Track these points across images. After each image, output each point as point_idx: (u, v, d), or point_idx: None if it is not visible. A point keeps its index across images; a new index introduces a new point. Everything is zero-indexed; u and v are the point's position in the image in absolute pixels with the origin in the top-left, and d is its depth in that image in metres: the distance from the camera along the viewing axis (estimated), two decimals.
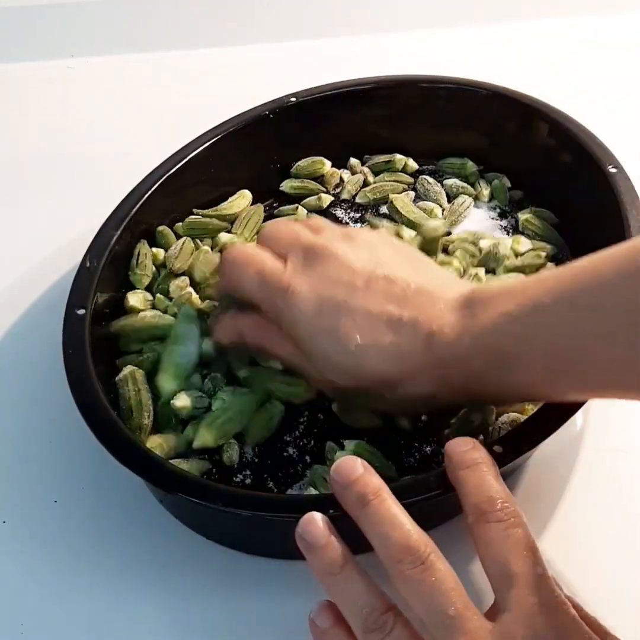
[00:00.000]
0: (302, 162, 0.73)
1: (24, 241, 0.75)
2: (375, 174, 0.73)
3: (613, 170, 0.60)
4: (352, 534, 0.43)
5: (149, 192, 0.65)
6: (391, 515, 0.42)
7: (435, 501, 0.46)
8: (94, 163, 0.81)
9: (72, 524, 0.56)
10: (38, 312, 0.69)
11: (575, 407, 0.49)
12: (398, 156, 0.73)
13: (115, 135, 0.84)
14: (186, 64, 0.92)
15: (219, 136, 0.69)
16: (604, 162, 0.61)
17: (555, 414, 0.49)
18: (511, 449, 0.47)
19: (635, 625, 0.48)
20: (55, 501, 0.57)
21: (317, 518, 0.43)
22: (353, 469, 0.44)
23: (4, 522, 0.57)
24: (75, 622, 0.52)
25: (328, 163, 0.73)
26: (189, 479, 0.50)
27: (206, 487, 0.49)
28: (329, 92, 0.72)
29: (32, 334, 0.67)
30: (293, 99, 0.71)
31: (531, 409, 0.54)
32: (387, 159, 0.73)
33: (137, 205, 0.64)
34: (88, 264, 0.60)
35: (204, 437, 0.55)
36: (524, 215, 0.67)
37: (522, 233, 0.67)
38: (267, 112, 0.70)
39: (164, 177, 0.66)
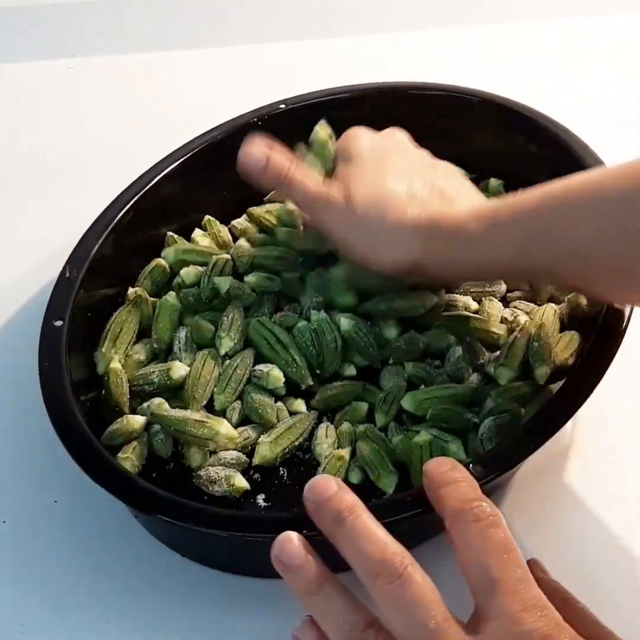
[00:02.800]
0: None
1: (22, 242, 0.76)
2: None
3: None
4: (331, 552, 0.42)
5: (132, 202, 0.64)
6: (366, 530, 0.41)
7: (415, 520, 0.46)
8: (94, 163, 0.82)
9: (72, 524, 0.56)
10: (36, 311, 0.69)
11: (562, 421, 0.49)
12: None
13: (115, 135, 0.84)
14: (186, 64, 0.92)
15: (206, 143, 0.69)
16: (592, 167, 0.60)
17: (541, 427, 0.49)
18: (490, 468, 0.47)
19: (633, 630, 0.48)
20: (55, 501, 0.58)
21: (292, 537, 0.42)
22: (327, 487, 0.43)
23: (4, 522, 0.57)
24: (74, 622, 0.52)
25: None
26: (160, 497, 0.49)
27: (178, 506, 0.48)
28: (318, 99, 0.71)
29: (31, 334, 0.67)
30: (282, 106, 0.71)
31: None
32: None
33: (119, 215, 0.63)
34: (68, 274, 0.60)
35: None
36: None
37: None
38: (255, 119, 0.70)
39: (148, 186, 0.65)
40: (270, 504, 0.54)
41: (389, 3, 0.96)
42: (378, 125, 0.71)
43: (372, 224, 0.54)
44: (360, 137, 0.59)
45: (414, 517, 0.46)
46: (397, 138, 0.61)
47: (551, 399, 0.52)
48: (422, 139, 0.71)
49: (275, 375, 0.58)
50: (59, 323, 0.57)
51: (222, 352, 0.59)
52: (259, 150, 0.58)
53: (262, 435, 0.56)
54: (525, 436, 0.49)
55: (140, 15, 0.97)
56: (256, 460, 0.55)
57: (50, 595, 0.53)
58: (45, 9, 0.97)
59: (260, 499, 0.55)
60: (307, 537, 0.42)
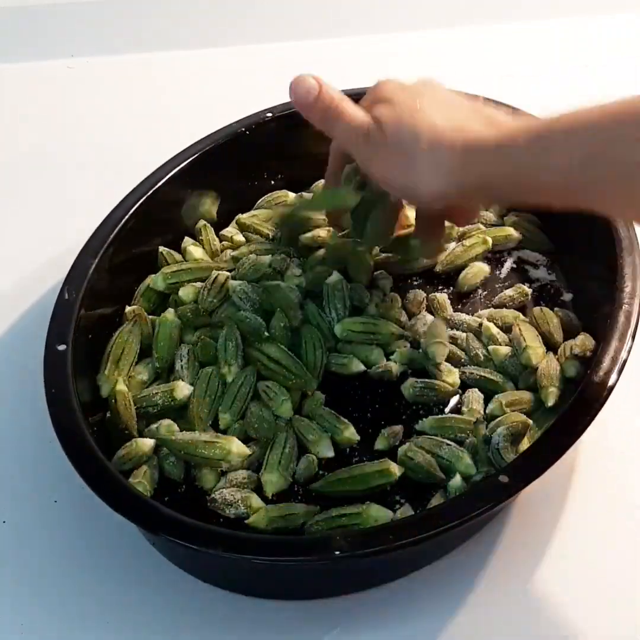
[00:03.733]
0: (268, 197, 0.72)
1: (21, 243, 0.76)
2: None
3: None
4: (362, 573, 0.44)
5: (124, 219, 0.64)
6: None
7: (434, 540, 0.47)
8: (94, 163, 0.82)
9: (72, 524, 0.56)
10: (36, 314, 0.69)
11: (577, 433, 0.50)
12: None
13: (115, 135, 0.84)
14: (186, 64, 0.92)
15: (194, 156, 0.68)
16: None
17: (559, 438, 0.50)
18: (518, 478, 0.48)
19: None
20: (55, 501, 0.58)
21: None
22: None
23: (4, 522, 0.57)
24: (74, 622, 0.52)
25: (291, 194, 0.71)
26: (177, 521, 0.49)
27: (193, 530, 0.48)
28: None
29: (31, 336, 0.67)
30: (269, 114, 0.71)
31: (534, 432, 0.55)
32: None
33: (113, 233, 0.63)
34: (67, 296, 0.59)
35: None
36: (510, 219, 0.68)
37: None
38: (243, 129, 0.70)
39: (139, 202, 0.65)
40: None
41: (389, 3, 0.95)
42: None
43: (408, 148, 0.52)
44: (391, 81, 0.58)
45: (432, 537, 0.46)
46: (431, 82, 0.58)
47: (571, 401, 0.52)
48: None
49: (286, 407, 0.57)
50: (62, 347, 0.56)
51: (230, 379, 0.58)
52: (311, 81, 0.58)
53: (265, 464, 0.55)
54: (550, 441, 0.50)
55: (140, 15, 0.96)
56: (271, 491, 0.54)
57: (50, 595, 0.53)
58: (45, 9, 0.97)
59: None
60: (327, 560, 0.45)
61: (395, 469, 0.54)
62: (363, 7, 0.96)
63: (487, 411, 0.56)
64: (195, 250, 0.67)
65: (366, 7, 0.96)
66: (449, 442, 0.55)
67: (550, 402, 0.55)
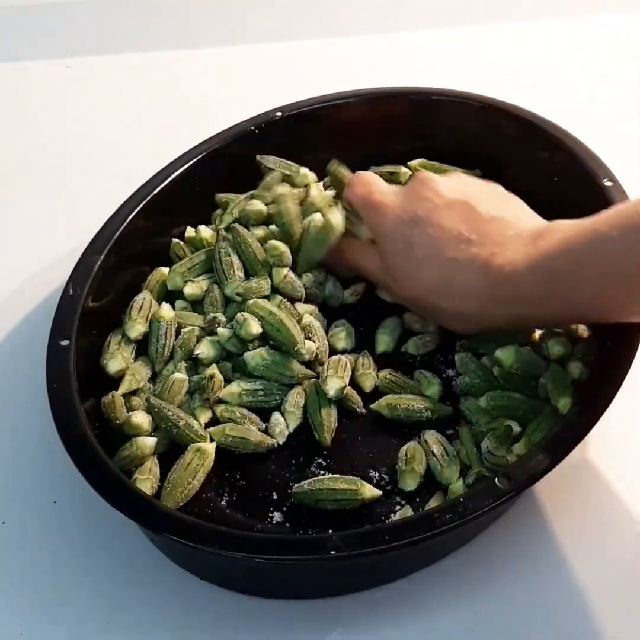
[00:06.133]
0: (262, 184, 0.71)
1: (21, 243, 0.76)
2: None
3: (608, 183, 0.60)
4: (361, 573, 0.45)
5: (132, 214, 0.64)
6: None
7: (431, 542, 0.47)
8: (94, 163, 0.82)
9: (72, 524, 0.56)
10: (41, 313, 0.69)
11: (579, 436, 0.49)
12: (403, 169, 0.70)
13: (115, 135, 0.84)
14: (186, 64, 0.92)
15: (204, 153, 0.68)
16: (599, 176, 0.60)
17: (561, 441, 0.49)
18: (517, 482, 0.47)
19: None
20: (55, 502, 0.58)
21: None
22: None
23: (4, 522, 0.57)
24: (73, 623, 0.52)
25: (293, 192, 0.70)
26: (176, 519, 0.49)
27: (192, 528, 0.48)
28: (315, 106, 0.71)
29: (33, 336, 0.67)
30: (279, 114, 0.70)
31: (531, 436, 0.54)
32: (392, 170, 0.70)
33: (121, 228, 0.63)
34: (71, 292, 0.59)
35: None
36: None
37: None
38: (252, 127, 0.70)
39: (147, 199, 0.65)
40: (284, 520, 0.54)
41: (389, 3, 0.96)
42: (373, 129, 0.72)
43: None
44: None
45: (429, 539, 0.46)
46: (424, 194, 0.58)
47: (574, 403, 0.52)
48: (422, 142, 0.71)
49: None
50: (65, 342, 0.56)
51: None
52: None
53: None
54: (551, 444, 0.49)
55: (140, 15, 0.97)
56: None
57: (49, 596, 0.53)
58: (45, 9, 0.97)
59: (277, 516, 0.54)
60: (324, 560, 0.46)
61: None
62: (363, 7, 0.96)
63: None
64: (204, 230, 0.67)
65: (366, 7, 0.96)
66: (448, 447, 0.55)
67: (565, 410, 0.54)
